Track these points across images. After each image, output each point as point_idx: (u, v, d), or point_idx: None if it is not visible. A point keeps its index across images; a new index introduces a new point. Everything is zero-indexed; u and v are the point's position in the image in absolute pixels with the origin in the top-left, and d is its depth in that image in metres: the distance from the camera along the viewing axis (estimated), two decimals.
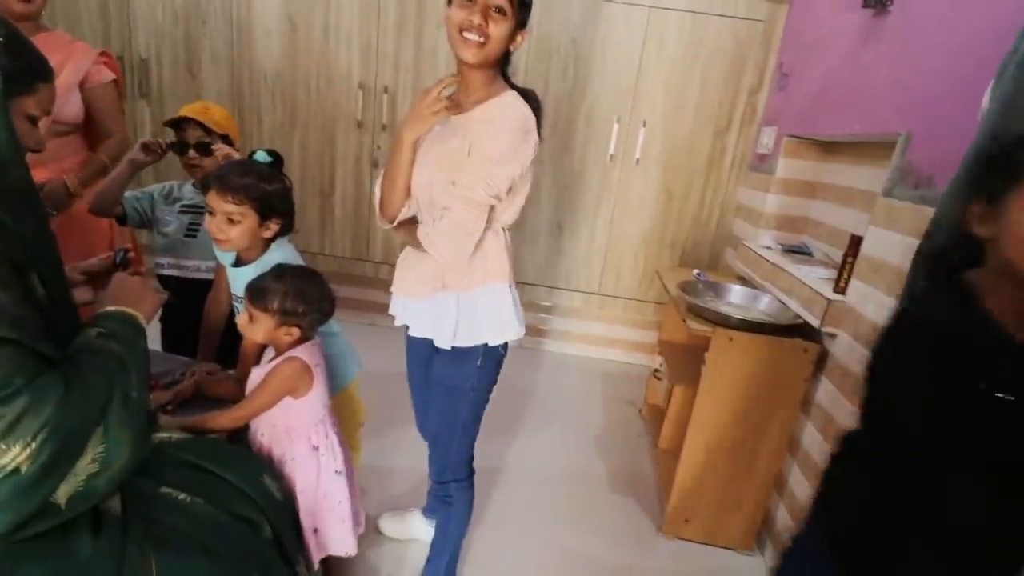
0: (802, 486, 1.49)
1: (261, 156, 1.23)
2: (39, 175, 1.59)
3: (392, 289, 1.21)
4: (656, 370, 2.28)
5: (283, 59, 2.51)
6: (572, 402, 2.45)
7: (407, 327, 1.21)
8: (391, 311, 1.23)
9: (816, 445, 1.45)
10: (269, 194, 1.16)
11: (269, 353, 1.15)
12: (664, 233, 2.62)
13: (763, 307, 1.73)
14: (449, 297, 1.12)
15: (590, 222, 2.63)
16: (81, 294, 1.05)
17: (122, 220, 1.52)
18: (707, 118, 2.47)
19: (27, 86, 0.74)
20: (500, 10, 1.00)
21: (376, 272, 2.75)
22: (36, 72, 0.75)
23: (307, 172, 2.63)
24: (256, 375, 1.08)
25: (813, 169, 2.07)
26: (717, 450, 1.60)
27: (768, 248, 2.00)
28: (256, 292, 1.05)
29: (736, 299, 1.82)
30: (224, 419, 1.04)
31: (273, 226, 1.20)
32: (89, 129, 1.73)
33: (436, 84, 1.02)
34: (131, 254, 1.05)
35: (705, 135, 2.49)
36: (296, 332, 1.07)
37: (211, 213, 1.15)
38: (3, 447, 0.63)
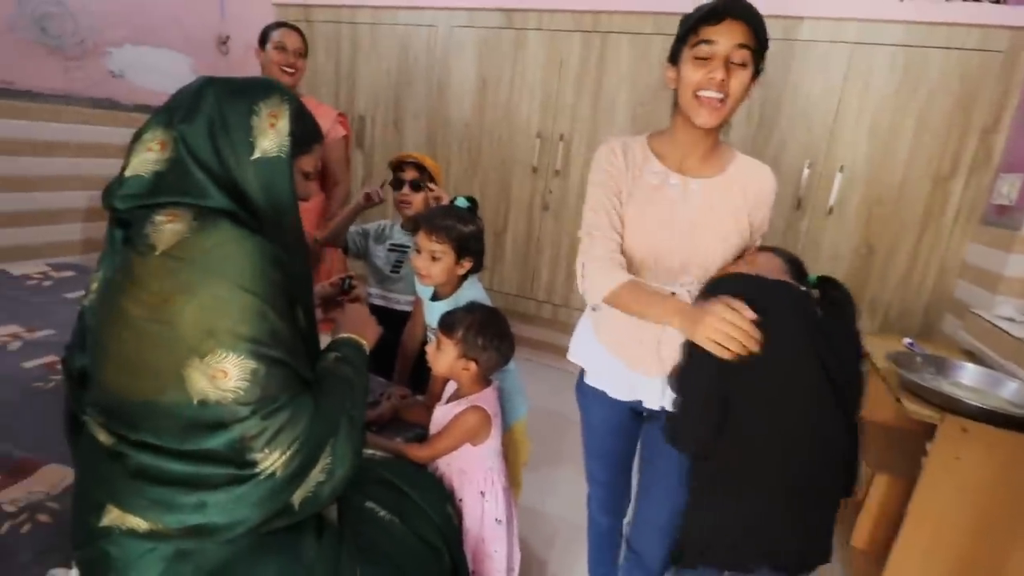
0: None
1: (461, 202, 1.38)
2: None
3: (641, 372, 1.07)
4: None
5: (472, 112, 2.77)
6: None
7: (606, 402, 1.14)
8: (617, 395, 1.12)
9: None
10: (466, 235, 1.29)
11: (450, 388, 1.24)
12: (862, 292, 2.30)
13: (1009, 394, 1.41)
14: None
15: None
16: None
17: (345, 250, 1.80)
18: (924, 164, 2.15)
19: (307, 147, 0.90)
20: (742, 63, 0.91)
21: (538, 310, 2.83)
22: (313, 136, 0.92)
23: (483, 212, 2.81)
24: (440, 414, 1.16)
25: None
26: (943, 565, 1.31)
27: (1011, 320, 1.65)
28: (446, 320, 1.16)
29: (968, 380, 1.51)
30: (414, 453, 1.13)
31: (466, 264, 1.32)
32: (323, 176, 2.08)
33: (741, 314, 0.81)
34: (354, 281, 1.22)
35: (921, 183, 2.16)
36: (473, 367, 1.14)
37: (418, 251, 1.29)
38: (266, 452, 0.74)
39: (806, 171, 2.27)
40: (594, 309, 1.16)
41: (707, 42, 0.90)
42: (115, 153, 2.47)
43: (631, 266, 1.05)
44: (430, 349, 1.18)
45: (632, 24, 2.41)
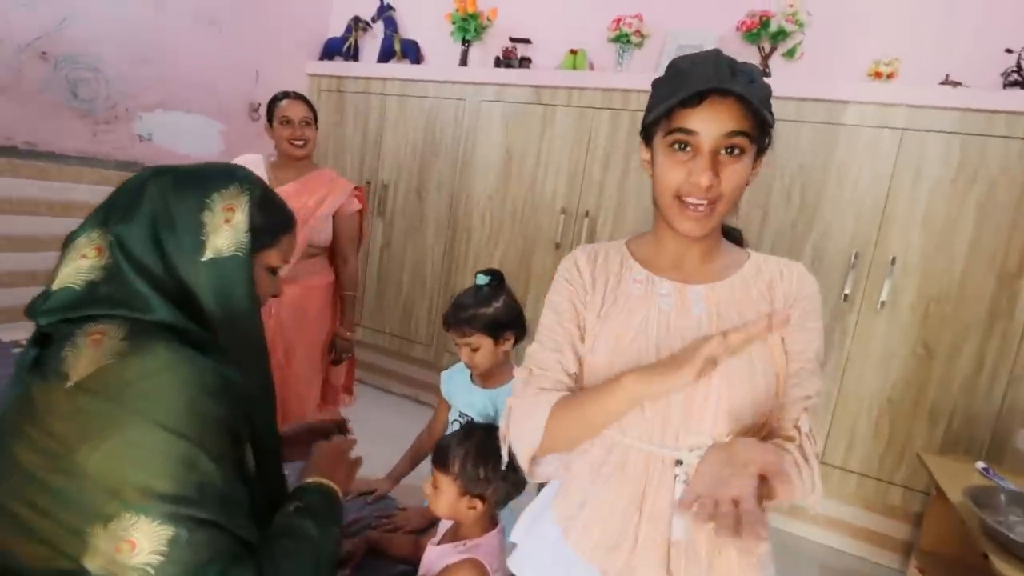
0: None
1: (480, 279, 1.32)
2: (291, 290, 1.83)
3: None
4: None
5: (496, 185, 2.70)
6: None
7: None
8: None
9: None
10: (492, 316, 1.23)
11: (445, 525, 1.05)
12: (919, 400, 2.05)
13: None
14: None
15: None
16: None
17: None
18: (986, 259, 1.95)
19: (272, 240, 0.78)
20: (736, 151, 0.68)
21: None
22: (281, 226, 0.80)
23: None
24: (433, 557, 0.97)
25: None
26: None
27: None
28: (439, 452, 0.98)
29: None
30: None
31: (508, 339, 1.27)
32: (332, 253, 1.98)
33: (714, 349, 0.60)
34: (349, 433, 1.04)
35: (984, 280, 1.96)
36: (479, 506, 0.96)
37: (458, 346, 1.27)
38: None
39: (853, 261, 2.09)
40: (541, 486, 0.84)
41: (685, 131, 0.68)
42: None
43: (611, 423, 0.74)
44: (426, 489, 0.99)
45: None
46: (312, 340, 1.94)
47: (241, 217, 0.72)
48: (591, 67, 2.63)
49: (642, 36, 2.51)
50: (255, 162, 1.85)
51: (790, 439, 0.70)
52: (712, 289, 0.75)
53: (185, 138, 2.61)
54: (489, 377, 1.30)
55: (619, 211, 2.46)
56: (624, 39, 2.52)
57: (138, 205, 0.69)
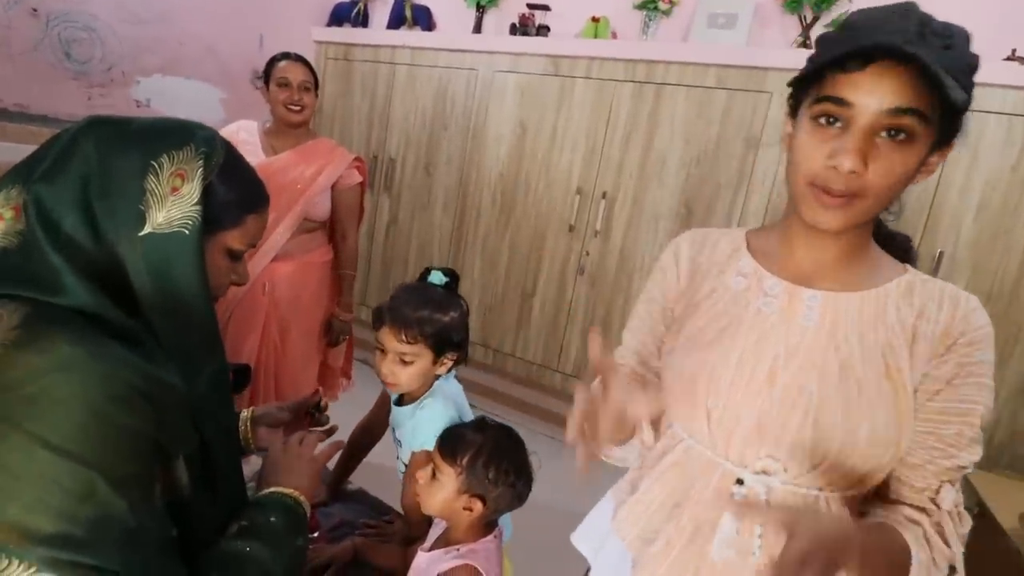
0: None
1: (436, 277, 1.04)
2: (286, 267, 1.73)
3: None
4: None
5: (508, 161, 2.55)
6: None
7: None
8: None
9: None
10: (447, 327, 0.98)
11: (437, 528, 0.94)
12: None
13: None
14: None
15: None
16: None
17: None
18: None
19: (234, 219, 0.65)
20: (901, 135, 0.53)
21: (564, 384, 2.50)
22: (250, 202, 0.67)
23: (512, 270, 2.57)
24: (422, 563, 0.87)
25: None
26: None
27: None
28: (448, 441, 0.88)
29: None
30: None
31: (448, 361, 1.02)
32: (331, 229, 1.86)
33: None
34: (324, 402, 0.94)
35: None
36: (478, 507, 0.86)
37: (382, 351, 0.99)
38: None
39: None
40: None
41: (836, 101, 0.54)
42: None
43: (668, 419, 0.71)
44: (422, 478, 0.89)
45: (690, 76, 2.15)
46: (308, 320, 1.84)
47: (193, 187, 0.59)
48: (613, 36, 2.45)
49: (670, 3, 2.32)
50: (249, 128, 1.73)
51: (921, 510, 0.59)
52: (834, 298, 0.61)
53: (185, 105, 2.50)
54: (409, 395, 1.07)
55: (639, 193, 2.30)
56: (650, 6, 2.33)
57: (67, 161, 0.57)
